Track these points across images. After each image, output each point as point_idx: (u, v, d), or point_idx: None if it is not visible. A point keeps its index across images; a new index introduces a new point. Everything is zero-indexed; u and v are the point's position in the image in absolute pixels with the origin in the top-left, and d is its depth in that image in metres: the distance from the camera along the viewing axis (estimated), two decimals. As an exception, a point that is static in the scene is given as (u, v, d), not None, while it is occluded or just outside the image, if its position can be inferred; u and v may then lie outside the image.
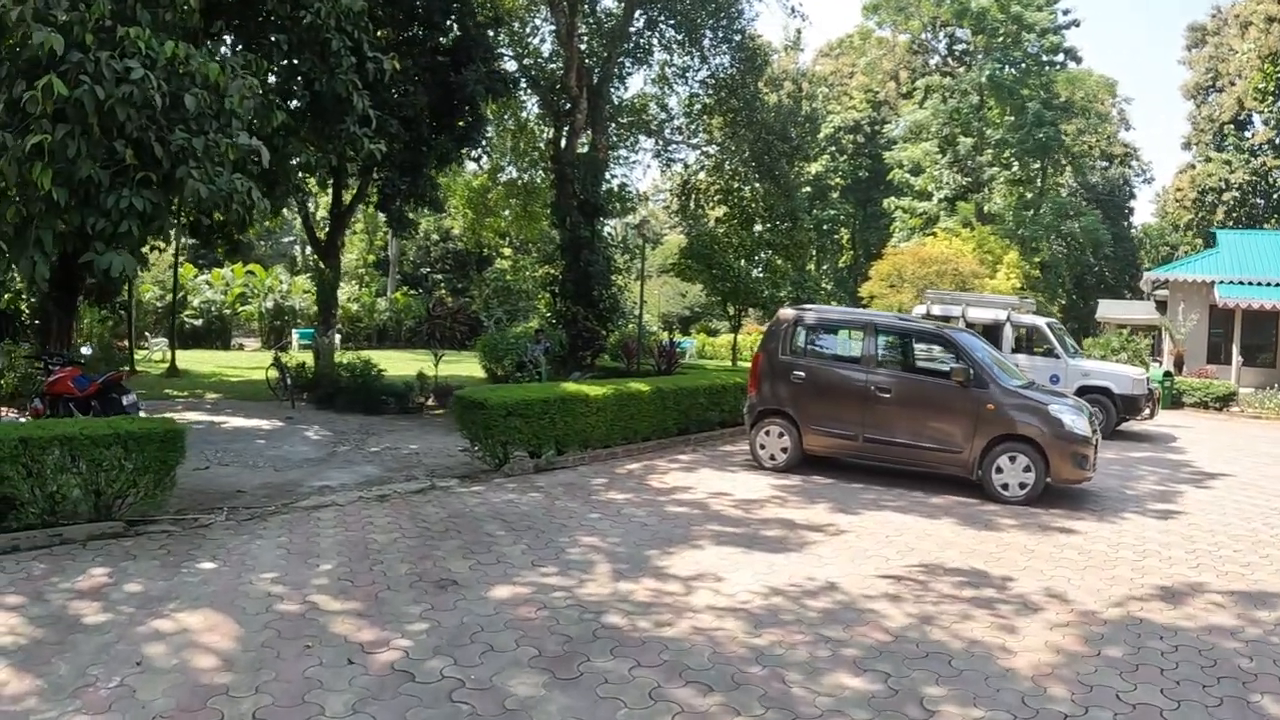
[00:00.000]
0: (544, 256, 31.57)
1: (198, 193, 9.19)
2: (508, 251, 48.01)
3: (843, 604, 7.04)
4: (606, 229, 27.15)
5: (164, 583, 6.92)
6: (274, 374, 19.78)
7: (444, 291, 47.12)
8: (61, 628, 5.97)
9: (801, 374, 12.67)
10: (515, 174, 32.81)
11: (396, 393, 18.55)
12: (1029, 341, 20.46)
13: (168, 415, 14.91)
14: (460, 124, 19.62)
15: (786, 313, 13.46)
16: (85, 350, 12.69)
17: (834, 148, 60.74)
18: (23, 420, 13.44)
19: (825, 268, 60.96)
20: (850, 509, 10.46)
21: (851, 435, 12.27)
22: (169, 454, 8.37)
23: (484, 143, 21.71)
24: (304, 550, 7.89)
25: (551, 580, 7.31)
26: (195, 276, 40.42)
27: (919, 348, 13.06)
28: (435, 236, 51.64)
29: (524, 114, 30.86)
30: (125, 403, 12.05)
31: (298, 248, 53.98)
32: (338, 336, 37.76)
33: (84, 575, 7.04)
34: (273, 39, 12.58)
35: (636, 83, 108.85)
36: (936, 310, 21.36)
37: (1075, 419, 11.35)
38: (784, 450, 12.69)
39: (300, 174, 15.97)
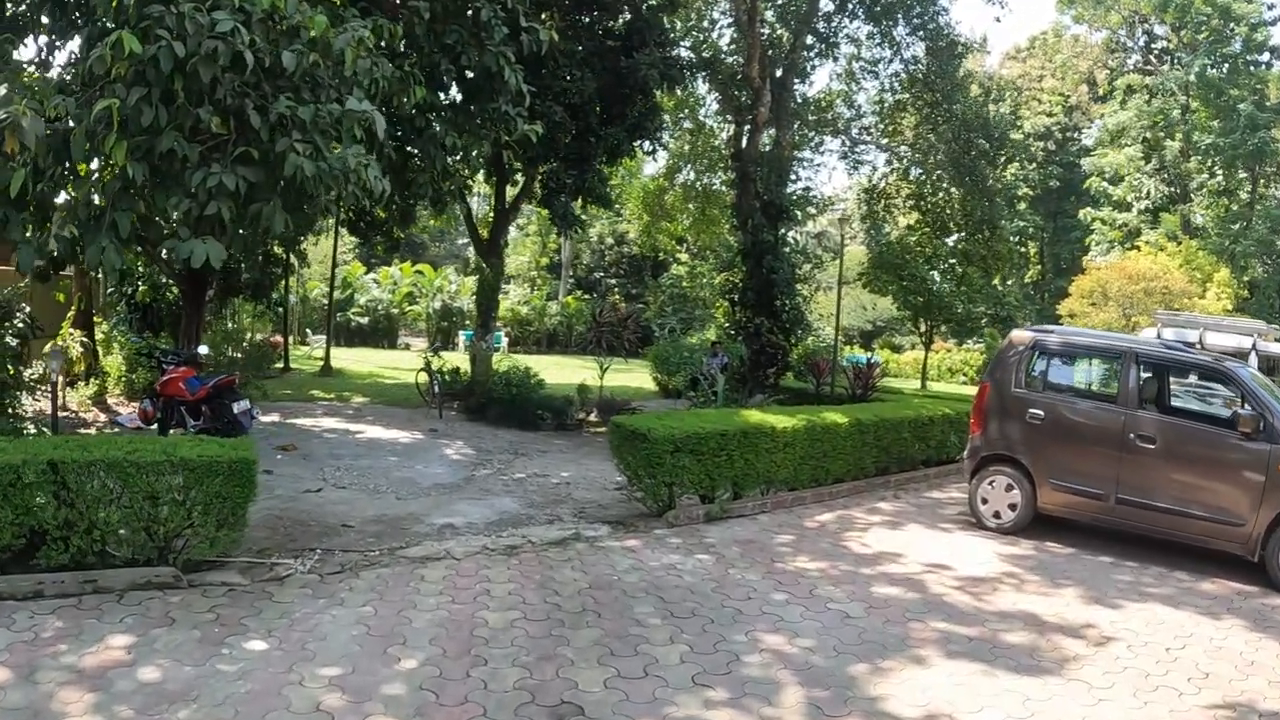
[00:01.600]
0: (722, 263, 29.40)
1: (301, 169, 7.54)
2: (684, 257, 46.06)
3: (1147, 782, 4.69)
4: (789, 237, 24.76)
5: (191, 669, 5.18)
6: (424, 379, 18.45)
7: (617, 296, 45.60)
8: (29, 738, 4.34)
9: (1040, 413, 10.00)
10: (692, 176, 30.98)
11: (554, 408, 16.85)
12: (1270, 374, 17.04)
13: (282, 422, 13.71)
14: (632, 113, 17.78)
15: (1022, 335, 10.71)
16: (202, 349, 11.37)
17: (1023, 155, 56.13)
18: (135, 420, 12.36)
19: (1010, 282, 56.33)
20: (1106, 598, 7.91)
21: (1101, 494, 9.54)
22: (237, 489, 6.64)
23: (658, 134, 19.70)
24: (389, 630, 6.00)
25: (719, 715, 5.14)
26: (363, 274, 40.28)
27: (1192, 385, 10.32)
28: (610, 240, 50.30)
29: (701, 112, 29.04)
30: (236, 410, 10.76)
31: (470, 249, 53.69)
32: (505, 340, 36.85)
33: (99, 645, 5.44)
34: (413, 6, 10.91)
35: (821, 79, 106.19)
36: (1168, 334, 18.09)
37: None
38: (1012, 508, 10.07)
39: (450, 159, 14.37)
